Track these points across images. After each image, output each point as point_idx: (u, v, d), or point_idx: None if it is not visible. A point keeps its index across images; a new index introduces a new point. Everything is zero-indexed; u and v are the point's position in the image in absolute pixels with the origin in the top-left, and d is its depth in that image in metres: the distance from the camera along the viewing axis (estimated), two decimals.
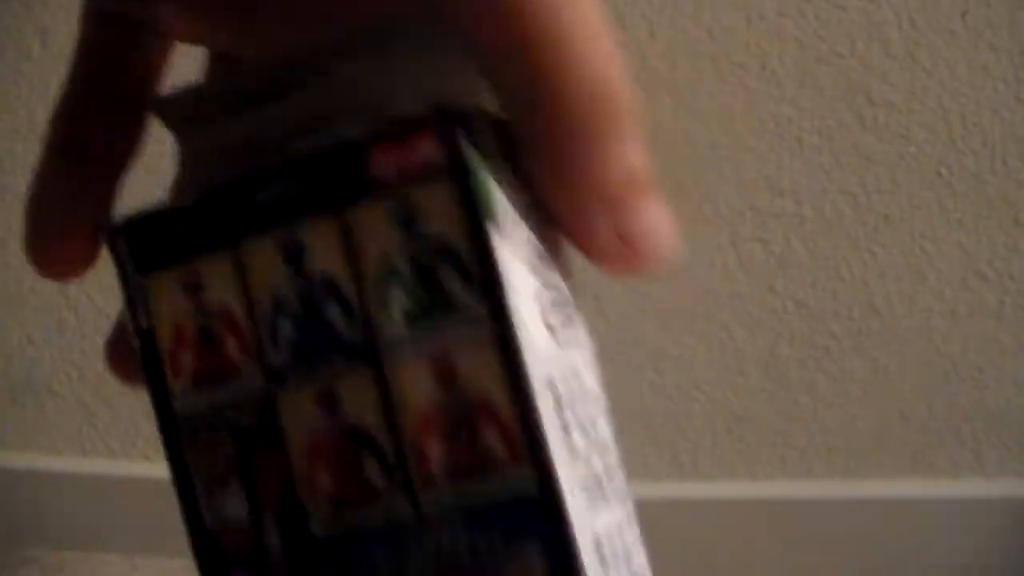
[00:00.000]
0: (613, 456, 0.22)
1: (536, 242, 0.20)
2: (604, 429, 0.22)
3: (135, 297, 0.21)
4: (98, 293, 1.06)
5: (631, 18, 0.96)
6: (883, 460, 1.00)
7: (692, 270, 0.99)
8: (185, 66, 0.25)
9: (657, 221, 0.19)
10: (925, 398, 0.98)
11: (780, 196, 0.97)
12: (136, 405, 1.07)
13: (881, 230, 0.96)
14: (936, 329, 0.97)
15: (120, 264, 0.21)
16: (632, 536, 0.22)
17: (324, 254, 0.20)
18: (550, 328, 0.20)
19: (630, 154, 0.19)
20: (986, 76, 0.93)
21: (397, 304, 0.19)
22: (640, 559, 0.22)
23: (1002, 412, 0.98)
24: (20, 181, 1.03)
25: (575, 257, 0.20)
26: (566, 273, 0.21)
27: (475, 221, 0.19)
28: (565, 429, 0.19)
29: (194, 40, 0.24)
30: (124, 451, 1.09)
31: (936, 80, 0.93)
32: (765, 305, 0.99)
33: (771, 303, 0.98)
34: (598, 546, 0.19)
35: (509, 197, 0.19)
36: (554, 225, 0.20)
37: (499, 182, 0.19)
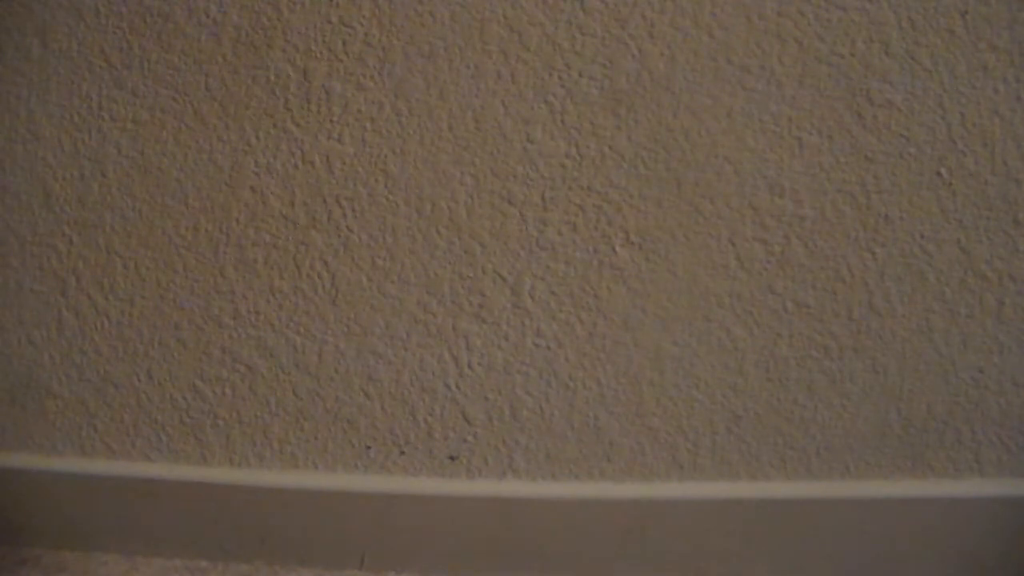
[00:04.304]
0: None
1: None
2: None
3: None
4: (98, 293, 1.06)
5: (631, 18, 0.96)
6: (883, 460, 1.00)
7: (692, 270, 0.99)
8: None
9: None
10: (925, 398, 0.98)
11: (780, 196, 0.97)
12: (136, 405, 1.07)
13: (881, 230, 0.96)
14: (936, 329, 0.97)
15: None
16: None
17: None
18: None
19: None
20: (986, 76, 0.93)
21: None
22: None
23: (1002, 412, 0.98)
24: (20, 181, 1.03)
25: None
26: None
27: None
28: None
29: None
30: (124, 451, 1.08)
31: (936, 80, 0.93)
32: (765, 305, 0.99)
33: (771, 303, 0.98)
34: None
35: None
36: None
37: None
